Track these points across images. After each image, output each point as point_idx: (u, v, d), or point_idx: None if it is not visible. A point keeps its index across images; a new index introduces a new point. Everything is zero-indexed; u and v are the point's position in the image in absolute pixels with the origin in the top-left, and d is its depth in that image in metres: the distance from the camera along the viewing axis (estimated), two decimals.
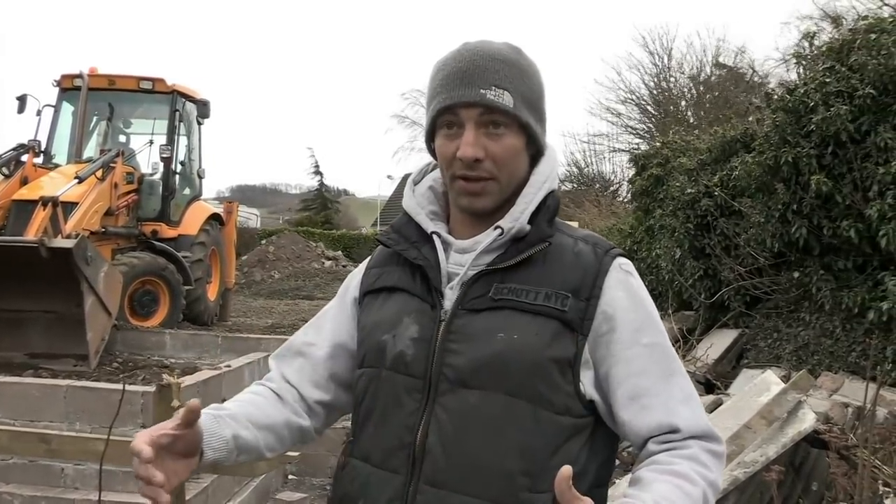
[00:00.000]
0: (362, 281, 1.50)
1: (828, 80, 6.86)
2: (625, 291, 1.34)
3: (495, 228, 1.35)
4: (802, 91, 7.10)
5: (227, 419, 1.35)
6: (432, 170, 1.52)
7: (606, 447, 1.35)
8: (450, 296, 1.35)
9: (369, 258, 1.54)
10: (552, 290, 1.30)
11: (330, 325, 1.52)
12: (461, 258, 1.38)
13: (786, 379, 5.18)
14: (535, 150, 1.42)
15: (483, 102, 1.31)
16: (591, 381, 1.31)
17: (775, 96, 8.03)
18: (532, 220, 1.36)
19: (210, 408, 1.36)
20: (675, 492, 1.20)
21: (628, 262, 1.39)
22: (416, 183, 1.51)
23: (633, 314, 1.32)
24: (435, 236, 1.40)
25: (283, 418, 1.45)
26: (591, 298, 1.31)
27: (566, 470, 1.06)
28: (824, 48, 7.62)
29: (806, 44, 8.29)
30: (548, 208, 1.38)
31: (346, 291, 1.54)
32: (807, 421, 4.17)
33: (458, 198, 1.39)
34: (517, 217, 1.35)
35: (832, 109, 6.61)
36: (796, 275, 7.49)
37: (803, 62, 8.16)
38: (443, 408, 1.29)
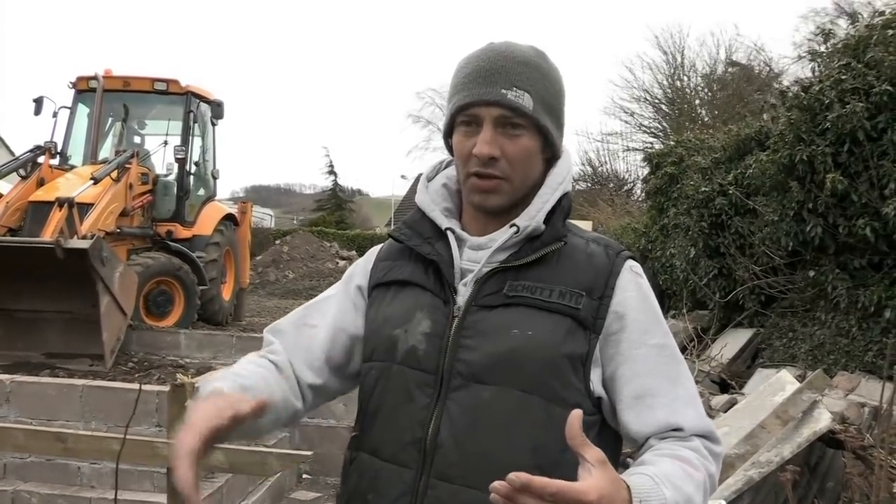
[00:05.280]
0: (371, 273, 1.50)
1: (843, 77, 6.81)
2: (636, 292, 1.35)
3: (511, 226, 1.36)
4: (818, 88, 7.05)
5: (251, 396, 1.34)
6: (446, 167, 1.53)
7: (613, 446, 1.36)
8: (463, 292, 1.35)
9: (378, 249, 1.54)
10: (566, 289, 1.31)
11: (334, 309, 1.51)
12: (475, 255, 1.38)
13: (801, 378, 5.16)
14: (551, 154, 1.43)
15: (503, 102, 1.32)
16: (599, 379, 1.32)
17: (790, 94, 7.97)
18: (547, 220, 1.38)
19: (229, 377, 1.34)
20: (679, 472, 1.20)
21: (637, 264, 1.40)
22: (429, 180, 1.52)
23: (643, 315, 1.34)
24: (449, 232, 1.41)
25: (282, 398, 1.41)
26: (603, 298, 1.32)
27: (578, 412, 1.05)
28: (840, 45, 7.56)
29: (821, 41, 8.21)
30: (562, 209, 1.40)
31: (351, 278, 1.53)
32: (822, 421, 4.15)
33: (470, 195, 1.40)
34: (533, 216, 1.37)
35: (848, 107, 6.56)
36: (812, 274, 7.45)
37: (819, 59, 8.10)
38: (455, 403, 1.29)
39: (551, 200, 1.38)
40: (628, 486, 1.09)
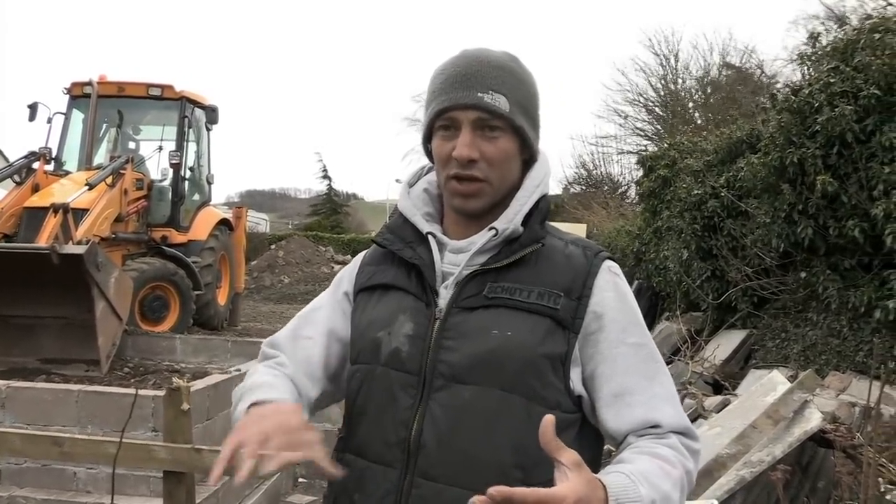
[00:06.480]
0: (356, 278, 1.53)
1: (832, 80, 6.86)
2: (613, 292, 1.38)
3: (490, 229, 1.39)
4: (807, 91, 7.10)
5: None
6: (426, 173, 1.56)
7: (594, 443, 1.39)
8: (444, 294, 1.38)
9: (363, 255, 1.57)
10: (545, 290, 1.34)
11: (325, 319, 1.53)
12: (455, 258, 1.41)
13: (793, 379, 5.19)
14: (529, 156, 1.46)
15: (480, 105, 1.35)
16: (579, 378, 1.35)
17: (780, 97, 8.03)
18: (525, 222, 1.40)
19: (276, 388, 1.40)
20: (656, 469, 1.23)
21: (615, 265, 1.43)
22: (410, 185, 1.55)
23: (621, 315, 1.36)
24: (430, 236, 1.43)
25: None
26: (581, 298, 1.35)
27: (550, 418, 1.08)
28: (829, 48, 7.62)
29: (811, 44, 8.28)
30: (540, 211, 1.43)
31: (339, 285, 1.56)
32: (813, 420, 4.18)
33: (451, 199, 1.43)
34: (511, 218, 1.39)
35: (837, 110, 6.61)
36: (803, 275, 7.49)
37: (808, 62, 8.16)
38: (437, 403, 1.32)
39: (529, 203, 1.41)
40: (604, 486, 1.12)
